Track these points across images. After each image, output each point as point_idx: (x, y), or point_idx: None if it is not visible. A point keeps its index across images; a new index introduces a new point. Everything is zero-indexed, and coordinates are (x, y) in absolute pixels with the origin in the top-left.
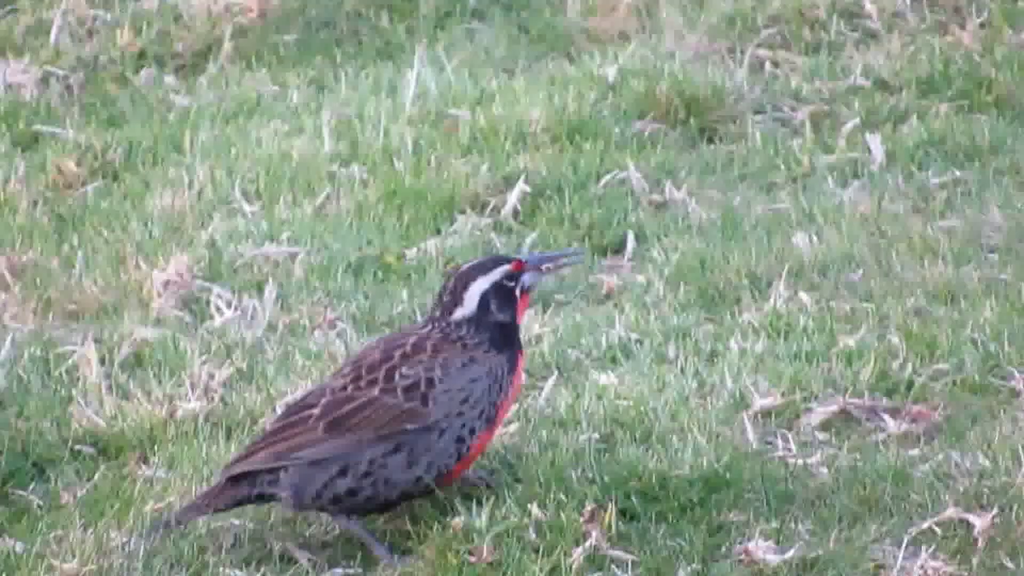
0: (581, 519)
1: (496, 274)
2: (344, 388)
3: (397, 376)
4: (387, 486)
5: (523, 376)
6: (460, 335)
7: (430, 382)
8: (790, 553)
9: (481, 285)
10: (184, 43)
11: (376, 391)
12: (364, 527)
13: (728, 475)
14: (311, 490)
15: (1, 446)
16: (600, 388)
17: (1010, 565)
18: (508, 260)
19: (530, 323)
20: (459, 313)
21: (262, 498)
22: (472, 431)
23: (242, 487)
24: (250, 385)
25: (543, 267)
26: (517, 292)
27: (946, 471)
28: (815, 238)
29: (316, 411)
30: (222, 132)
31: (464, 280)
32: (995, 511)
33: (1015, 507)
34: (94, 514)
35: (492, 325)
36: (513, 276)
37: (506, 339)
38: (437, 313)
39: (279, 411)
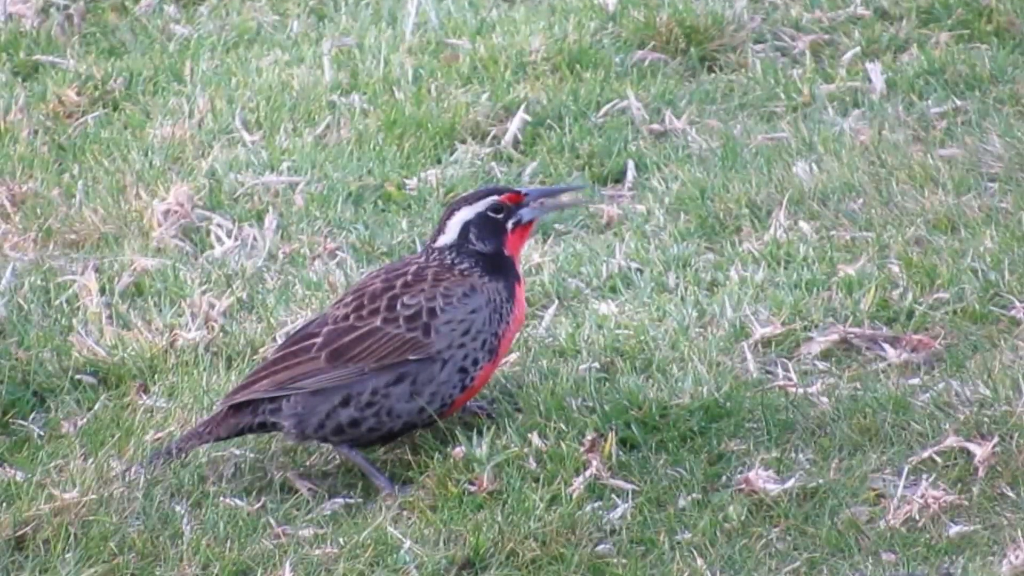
0: (581, 448)
1: (481, 205)
2: (346, 317)
3: (399, 305)
4: (390, 417)
5: (525, 307)
6: (452, 262)
7: (432, 312)
8: (790, 482)
9: (465, 215)
10: None
11: (378, 320)
12: (365, 458)
13: (728, 404)
14: (313, 420)
15: (2, 375)
16: (600, 317)
17: (1011, 494)
18: (501, 192)
19: (530, 252)
20: (441, 241)
21: (264, 427)
22: (475, 362)
23: (244, 416)
24: (250, 314)
25: (542, 202)
26: (508, 225)
27: (946, 400)
28: (815, 167)
29: (318, 340)
30: (222, 62)
31: (451, 209)
32: (995, 440)
33: (1015, 436)
34: (94, 443)
35: (475, 254)
36: (502, 208)
37: (494, 269)
38: (428, 241)
39: (280, 340)
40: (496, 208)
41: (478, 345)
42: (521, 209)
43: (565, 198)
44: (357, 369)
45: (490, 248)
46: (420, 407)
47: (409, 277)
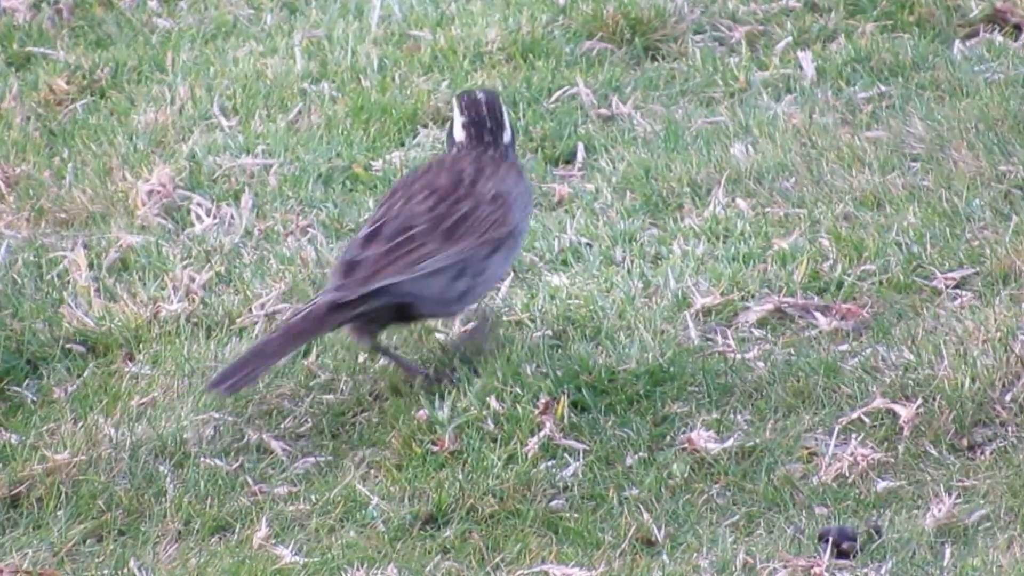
0: (536, 411)
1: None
2: (435, 207)
3: (481, 189)
4: (488, 284)
5: None
6: (505, 155)
7: (507, 193)
8: (729, 442)
9: (505, 110)
10: None
11: (470, 204)
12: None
13: (672, 369)
14: (435, 294)
15: None
16: (553, 289)
17: (933, 452)
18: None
19: None
20: (506, 136)
21: (373, 314)
22: (524, 234)
23: (345, 311)
24: (228, 287)
25: None
26: None
27: (874, 365)
28: (751, 148)
29: (422, 227)
30: (201, 52)
31: (500, 106)
32: (919, 401)
33: (937, 398)
34: (84, 408)
35: (509, 145)
36: None
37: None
38: (488, 138)
39: (339, 257)
40: None
41: (529, 222)
42: None
43: None
44: (467, 245)
45: (511, 138)
46: (507, 271)
47: (471, 169)
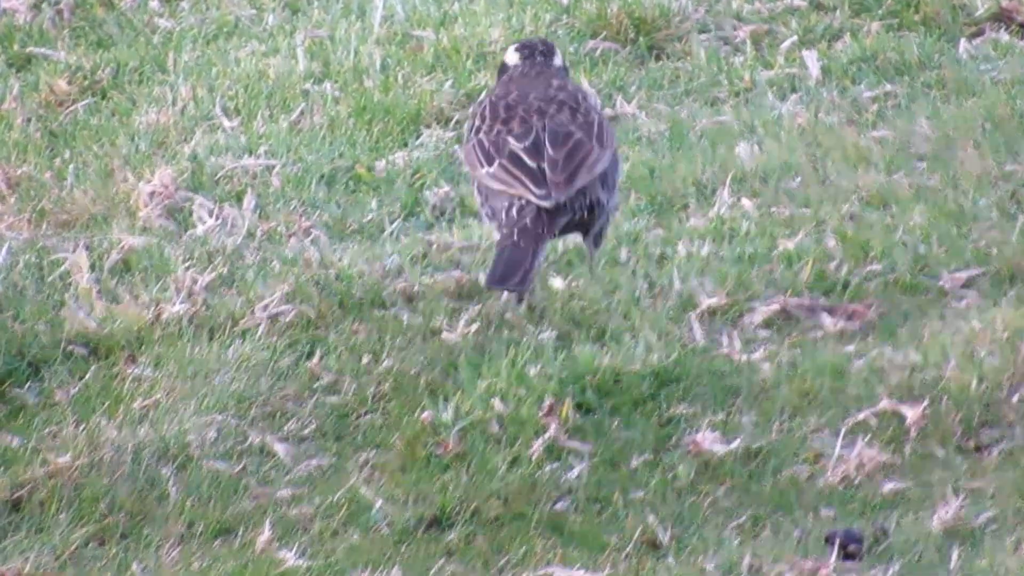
0: (540, 413)
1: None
2: (574, 116)
3: (585, 104)
4: (616, 197)
5: None
6: (558, 74)
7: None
8: (735, 444)
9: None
10: None
11: (595, 114)
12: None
13: (677, 371)
14: (607, 199)
15: None
16: (557, 290)
17: (940, 453)
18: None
19: (492, 231)
20: (556, 60)
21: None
22: None
23: (565, 213)
24: (231, 289)
25: None
26: None
27: (880, 366)
28: (756, 148)
29: (580, 135)
30: (203, 53)
31: (544, 41)
32: (926, 403)
33: (944, 399)
34: (86, 411)
35: None
36: None
37: None
38: (540, 58)
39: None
40: None
41: None
42: None
43: None
44: (612, 151)
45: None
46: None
47: (554, 81)
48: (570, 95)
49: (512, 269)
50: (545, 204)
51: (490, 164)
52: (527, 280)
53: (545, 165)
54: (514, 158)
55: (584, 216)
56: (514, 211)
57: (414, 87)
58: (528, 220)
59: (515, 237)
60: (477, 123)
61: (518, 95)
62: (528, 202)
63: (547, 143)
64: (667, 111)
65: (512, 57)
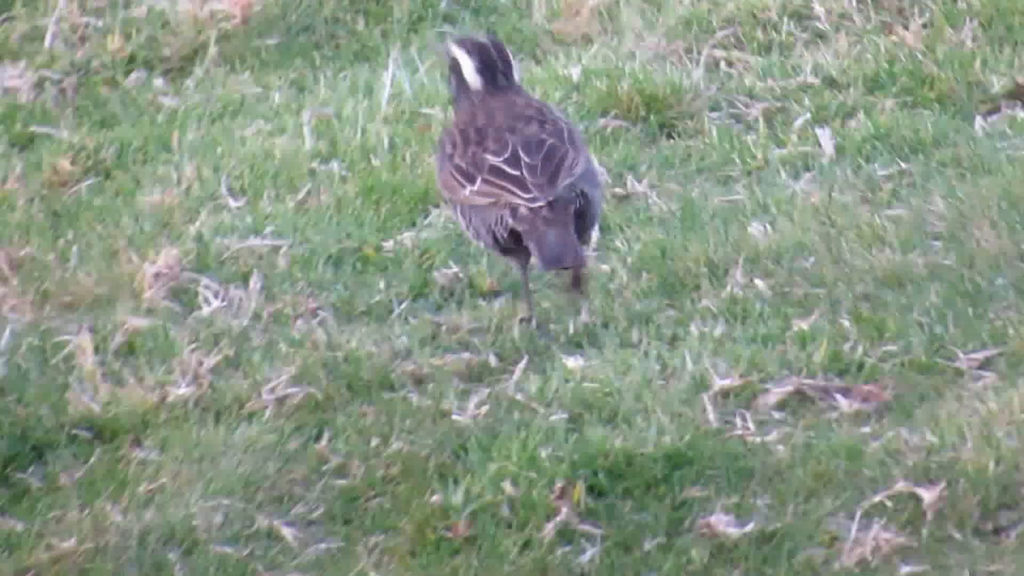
0: (552, 496)
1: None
2: (543, 126)
3: (556, 117)
4: (600, 197)
5: None
6: (519, 91)
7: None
8: (749, 526)
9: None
10: (171, 48)
11: (562, 123)
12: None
13: (690, 453)
14: (596, 195)
15: (1, 431)
16: (568, 371)
17: (957, 535)
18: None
19: (502, 310)
20: (516, 74)
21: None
22: None
23: (561, 208)
24: (237, 371)
25: None
26: None
27: (896, 447)
28: (769, 227)
29: (553, 140)
30: (208, 132)
31: (499, 49)
32: (943, 484)
33: (961, 480)
34: (91, 495)
35: None
36: None
37: None
38: (505, 82)
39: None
40: None
41: None
42: None
43: None
44: (585, 154)
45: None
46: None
47: (518, 102)
48: (536, 109)
49: (562, 245)
50: (533, 206)
51: (472, 183)
52: (580, 254)
53: (525, 172)
54: (495, 171)
55: (580, 204)
56: (508, 218)
57: (422, 166)
58: (547, 209)
59: (539, 224)
60: (449, 150)
61: (486, 119)
62: (518, 209)
63: (522, 152)
64: (678, 190)
65: (473, 80)
